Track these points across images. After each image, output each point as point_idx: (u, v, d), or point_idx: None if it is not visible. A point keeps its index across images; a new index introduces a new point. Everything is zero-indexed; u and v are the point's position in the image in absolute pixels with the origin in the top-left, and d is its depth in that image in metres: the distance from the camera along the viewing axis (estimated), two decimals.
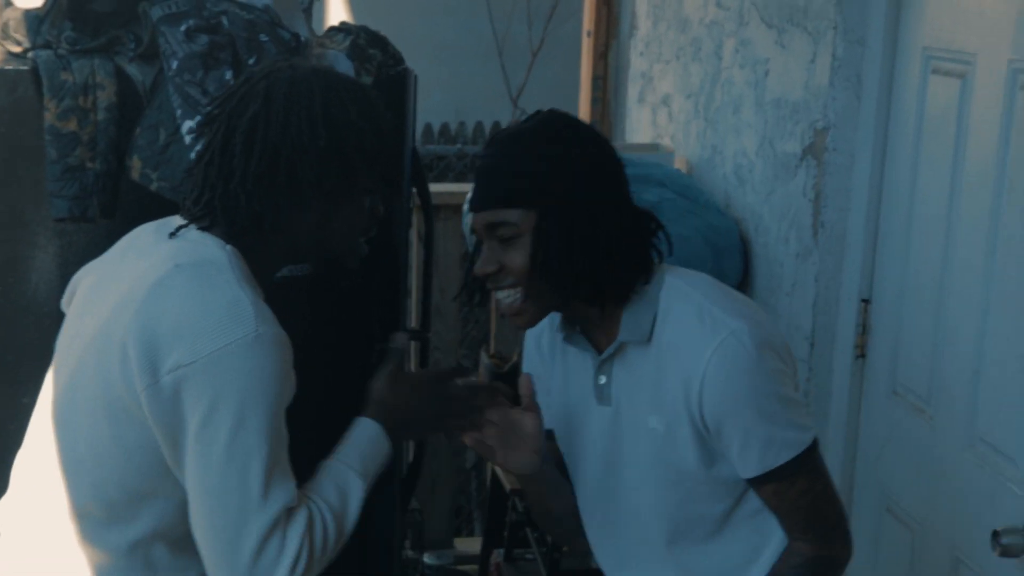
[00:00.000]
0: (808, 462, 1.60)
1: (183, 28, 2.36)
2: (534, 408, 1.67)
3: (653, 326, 1.60)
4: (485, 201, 1.60)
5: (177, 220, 1.58)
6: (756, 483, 1.61)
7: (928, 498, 2.21)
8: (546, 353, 1.78)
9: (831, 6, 2.41)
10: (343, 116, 1.54)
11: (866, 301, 2.42)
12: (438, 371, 1.71)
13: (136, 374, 1.46)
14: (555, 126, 1.61)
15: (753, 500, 1.64)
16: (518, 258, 1.57)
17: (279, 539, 1.46)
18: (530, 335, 1.80)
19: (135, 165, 2.39)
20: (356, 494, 1.55)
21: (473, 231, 1.62)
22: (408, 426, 1.64)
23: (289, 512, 1.48)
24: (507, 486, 2.81)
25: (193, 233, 1.55)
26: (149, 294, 1.48)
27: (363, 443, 1.59)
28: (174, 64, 2.35)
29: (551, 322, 1.73)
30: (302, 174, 1.52)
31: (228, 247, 1.53)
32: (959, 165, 2.12)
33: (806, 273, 2.53)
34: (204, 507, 1.47)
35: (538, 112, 1.65)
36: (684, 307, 1.59)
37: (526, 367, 1.82)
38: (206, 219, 1.56)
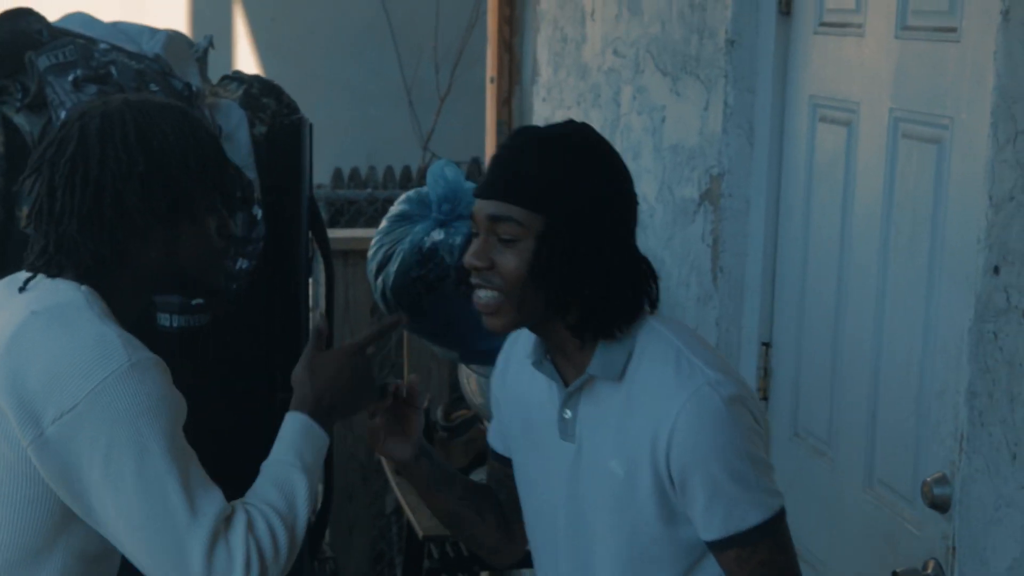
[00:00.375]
0: (774, 530, 1.52)
1: (71, 78, 2.33)
2: (416, 407, 1.69)
3: (626, 365, 1.54)
4: (494, 190, 1.52)
5: (24, 274, 1.56)
6: (717, 547, 1.52)
7: (831, 540, 2.23)
8: (511, 376, 1.71)
9: (721, 55, 2.45)
10: (159, 139, 1.54)
11: (766, 345, 2.45)
12: (353, 343, 1.67)
13: (17, 431, 1.44)
14: (587, 140, 1.55)
15: (710, 569, 1.56)
16: (513, 262, 1.50)
17: (224, 548, 1.45)
18: (502, 355, 1.75)
19: (24, 215, 2.34)
20: (300, 488, 1.54)
21: (472, 218, 1.55)
22: (336, 407, 1.63)
23: (227, 520, 1.47)
24: (420, 533, 2.79)
25: (44, 282, 1.54)
26: (9, 346, 1.46)
27: (293, 437, 1.58)
28: (62, 114, 2.31)
29: (524, 346, 1.66)
30: (128, 203, 1.52)
31: (83, 287, 1.52)
32: (848, 210, 2.16)
33: (707, 317, 2.55)
34: (138, 543, 1.45)
35: (571, 121, 1.59)
36: (661, 350, 1.53)
37: (493, 386, 1.76)
38: (51, 267, 1.54)
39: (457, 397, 3.35)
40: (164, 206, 1.54)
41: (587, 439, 1.57)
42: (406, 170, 6.24)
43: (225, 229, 1.62)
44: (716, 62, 2.48)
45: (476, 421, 2.95)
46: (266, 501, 1.51)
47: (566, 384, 1.59)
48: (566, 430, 1.59)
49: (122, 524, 1.45)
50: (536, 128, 1.58)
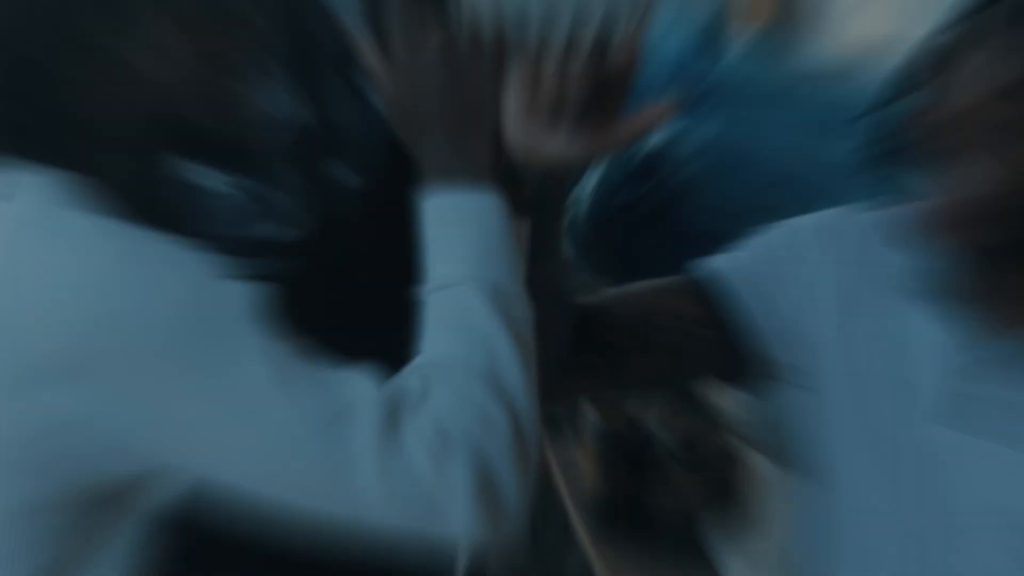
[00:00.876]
0: None
1: None
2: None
3: None
4: None
5: None
6: None
7: None
8: (842, 291, 1.23)
9: None
10: None
11: None
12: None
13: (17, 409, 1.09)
14: None
15: None
16: None
17: (397, 441, 1.02)
18: (825, 230, 1.25)
19: None
20: (476, 303, 1.08)
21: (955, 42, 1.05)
22: (452, 139, 1.13)
23: (393, 409, 1.04)
24: None
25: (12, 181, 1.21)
26: None
27: (430, 243, 1.13)
28: None
29: (874, 264, 1.20)
30: (33, 46, 1.21)
31: (56, 177, 1.17)
32: None
33: None
34: (284, 483, 1.07)
35: None
36: None
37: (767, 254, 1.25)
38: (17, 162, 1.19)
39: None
40: (79, 35, 1.19)
41: (1002, 432, 1.15)
42: None
43: (215, 41, 1.21)
44: None
45: (725, 445, 2.04)
46: (433, 354, 1.07)
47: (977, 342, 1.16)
48: (955, 411, 1.17)
49: (254, 469, 1.08)
50: None
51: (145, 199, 1.24)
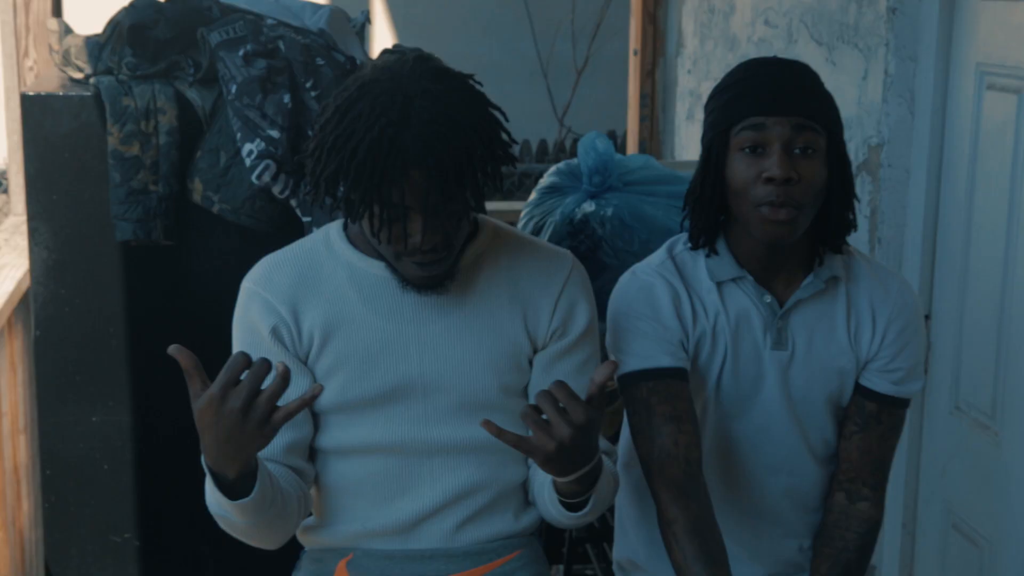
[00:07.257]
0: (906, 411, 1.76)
1: (241, 53, 2.41)
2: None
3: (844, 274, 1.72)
4: (797, 106, 1.60)
5: None
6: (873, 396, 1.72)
7: (996, 514, 2.20)
8: (703, 301, 1.70)
9: (881, 23, 2.41)
10: None
11: (926, 317, 2.41)
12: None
13: None
14: None
15: None
16: (818, 172, 1.61)
17: None
18: (663, 290, 1.69)
19: (197, 188, 2.44)
20: None
21: (755, 134, 1.58)
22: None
23: None
24: None
25: None
26: None
27: None
28: (233, 88, 2.40)
29: (696, 272, 1.71)
30: None
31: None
32: (1017, 180, 2.11)
33: None
34: None
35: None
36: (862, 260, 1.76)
37: (666, 316, 1.69)
38: None
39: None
40: None
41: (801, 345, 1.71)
42: (542, 144, 6.28)
43: None
44: (876, 30, 2.44)
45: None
46: None
47: (778, 294, 1.71)
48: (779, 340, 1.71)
49: None
50: (783, 58, 1.70)
51: None
